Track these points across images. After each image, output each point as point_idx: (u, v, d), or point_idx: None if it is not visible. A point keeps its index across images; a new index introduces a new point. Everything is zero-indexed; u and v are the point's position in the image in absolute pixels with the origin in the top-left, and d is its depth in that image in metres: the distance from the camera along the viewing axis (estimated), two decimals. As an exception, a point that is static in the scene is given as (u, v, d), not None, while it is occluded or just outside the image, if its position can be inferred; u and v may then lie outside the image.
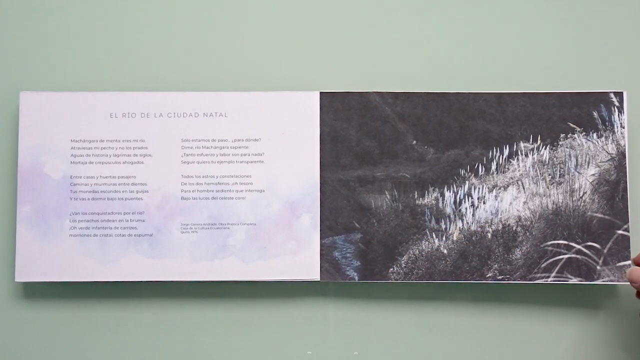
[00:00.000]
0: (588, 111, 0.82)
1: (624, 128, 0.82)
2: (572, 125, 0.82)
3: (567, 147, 0.82)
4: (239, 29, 0.87)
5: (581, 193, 0.82)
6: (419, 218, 0.82)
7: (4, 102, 0.85)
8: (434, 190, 0.82)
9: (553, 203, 0.82)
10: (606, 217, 0.81)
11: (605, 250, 0.81)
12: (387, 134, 0.83)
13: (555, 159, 0.82)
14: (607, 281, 0.81)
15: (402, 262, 0.82)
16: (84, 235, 0.82)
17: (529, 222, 0.82)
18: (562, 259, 0.81)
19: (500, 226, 0.82)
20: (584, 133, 0.82)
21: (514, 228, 0.82)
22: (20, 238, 0.81)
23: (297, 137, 0.83)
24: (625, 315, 0.84)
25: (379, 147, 0.83)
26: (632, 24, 0.86)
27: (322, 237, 0.82)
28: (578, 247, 0.81)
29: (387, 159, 0.83)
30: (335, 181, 0.82)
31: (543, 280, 0.81)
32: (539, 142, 0.82)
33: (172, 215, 0.82)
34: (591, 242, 0.81)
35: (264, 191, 0.82)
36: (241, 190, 0.82)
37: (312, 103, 0.83)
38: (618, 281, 0.80)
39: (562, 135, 0.82)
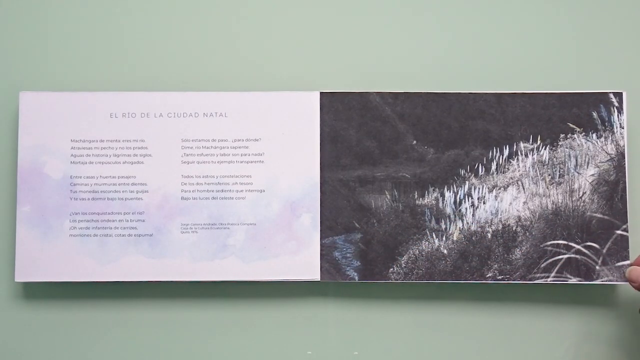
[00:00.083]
0: (588, 111, 0.82)
1: (623, 128, 0.82)
2: (571, 125, 0.83)
3: (566, 148, 0.82)
4: (239, 29, 0.86)
5: (580, 193, 0.82)
6: (419, 218, 0.82)
7: (4, 102, 0.85)
8: (434, 190, 0.82)
9: (553, 203, 0.82)
10: (605, 217, 0.81)
11: (604, 250, 0.81)
12: (387, 134, 0.83)
13: (555, 159, 0.82)
14: (606, 281, 0.81)
15: (402, 262, 0.82)
16: (84, 235, 0.82)
17: (528, 222, 0.82)
18: (561, 259, 0.81)
19: (500, 226, 0.82)
20: (584, 133, 0.82)
21: (513, 228, 0.82)
22: (20, 238, 0.81)
23: (297, 137, 0.83)
24: (624, 315, 0.84)
25: (379, 147, 0.83)
26: (632, 24, 0.87)
27: (322, 237, 0.82)
28: (577, 247, 0.81)
29: (387, 159, 0.83)
30: (335, 181, 0.82)
31: (543, 280, 0.81)
32: (538, 142, 0.83)
33: (172, 215, 0.82)
34: (590, 242, 0.81)
35: (264, 191, 0.82)
36: (241, 190, 0.82)
37: (312, 103, 0.83)
38: (617, 281, 0.81)
39: (562, 135, 0.83)
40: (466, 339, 0.84)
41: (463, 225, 0.82)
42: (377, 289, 0.84)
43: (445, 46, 0.86)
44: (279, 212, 0.82)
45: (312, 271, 0.81)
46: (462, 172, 0.83)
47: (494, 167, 0.83)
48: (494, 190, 0.82)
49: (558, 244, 0.81)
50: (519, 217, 0.82)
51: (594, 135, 0.82)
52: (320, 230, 0.82)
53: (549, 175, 0.82)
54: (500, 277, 0.81)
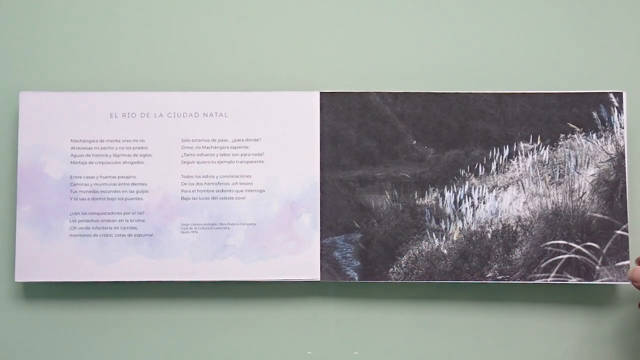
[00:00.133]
0: (588, 111, 0.82)
1: (623, 128, 0.82)
2: (571, 125, 0.83)
3: (566, 148, 0.82)
4: (239, 29, 0.86)
5: (581, 193, 0.82)
6: (419, 218, 0.82)
7: (4, 102, 0.85)
8: (434, 190, 0.82)
9: (553, 203, 0.82)
10: (605, 217, 0.81)
11: (604, 250, 0.81)
12: (387, 134, 0.83)
13: (555, 159, 0.82)
14: (606, 281, 0.81)
15: (402, 262, 0.82)
16: (84, 235, 0.82)
17: (528, 222, 0.82)
18: (561, 259, 0.81)
19: (500, 226, 0.82)
20: (584, 133, 0.82)
21: (513, 228, 0.82)
22: (20, 238, 0.81)
23: (297, 137, 0.83)
24: (624, 315, 0.84)
25: (379, 147, 0.83)
26: (632, 24, 0.87)
27: (322, 237, 0.82)
28: (577, 247, 0.81)
29: (387, 159, 0.83)
30: (335, 181, 0.82)
31: (543, 280, 0.81)
32: (538, 142, 0.83)
33: (172, 215, 0.82)
34: (590, 242, 0.81)
35: (264, 191, 0.82)
36: (241, 190, 0.82)
37: (312, 103, 0.83)
38: (617, 281, 0.81)
39: (562, 135, 0.83)
40: (466, 339, 0.84)
41: (463, 225, 0.82)
42: (377, 289, 0.84)
43: (445, 46, 0.86)
44: (279, 212, 0.82)
45: (312, 271, 0.81)
46: (462, 172, 0.83)
47: (494, 167, 0.83)
48: (494, 190, 0.82)
49: (558, 244, 0.81)
50: (519, 217, 0.82)
51: (594, 135, 0.82)
52: (320, 230, 0.82)
53: (549, 175, 0.82)
54: (500, 277, 0.81)
